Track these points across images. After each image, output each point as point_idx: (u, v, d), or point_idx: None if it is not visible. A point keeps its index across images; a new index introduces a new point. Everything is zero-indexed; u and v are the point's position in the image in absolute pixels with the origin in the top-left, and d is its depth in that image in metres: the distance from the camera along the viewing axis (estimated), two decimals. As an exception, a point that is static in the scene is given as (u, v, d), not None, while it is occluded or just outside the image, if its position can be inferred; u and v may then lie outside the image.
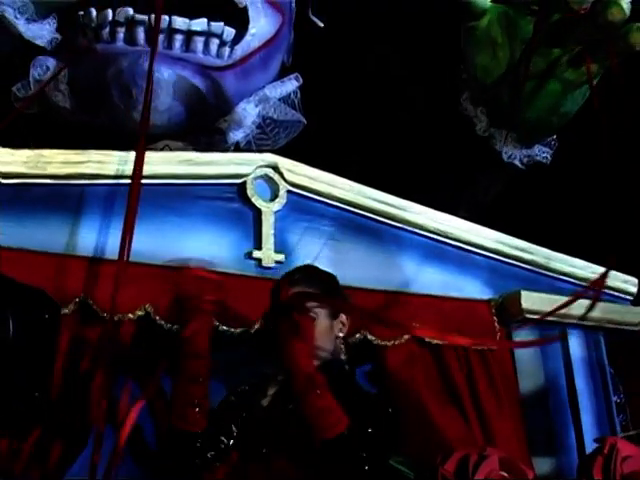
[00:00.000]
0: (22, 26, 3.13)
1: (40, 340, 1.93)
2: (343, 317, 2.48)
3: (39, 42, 3.20)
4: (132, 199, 2.50)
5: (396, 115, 4.04)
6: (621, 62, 3.21)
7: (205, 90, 3.39)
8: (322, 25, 3.83)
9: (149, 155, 2.88)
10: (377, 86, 4.22)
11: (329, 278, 2.54)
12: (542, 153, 3.53)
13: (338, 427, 2.23)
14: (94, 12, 3.30)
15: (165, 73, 3.29)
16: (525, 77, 3.22)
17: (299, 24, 3.75)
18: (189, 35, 3.34)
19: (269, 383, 2.46)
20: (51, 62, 3.32)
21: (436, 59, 4.10)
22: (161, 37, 3.26)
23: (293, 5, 3.74)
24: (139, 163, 2.53)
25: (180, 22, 3.29)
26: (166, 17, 3.24)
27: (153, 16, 3.18)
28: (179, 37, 3.32)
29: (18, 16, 3.10)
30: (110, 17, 3.29)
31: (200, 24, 3.34)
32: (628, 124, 3.60)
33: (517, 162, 3.50)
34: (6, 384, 1.81)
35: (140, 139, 2.58)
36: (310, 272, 2.54)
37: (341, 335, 2.48)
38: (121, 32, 3.31)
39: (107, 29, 3.31)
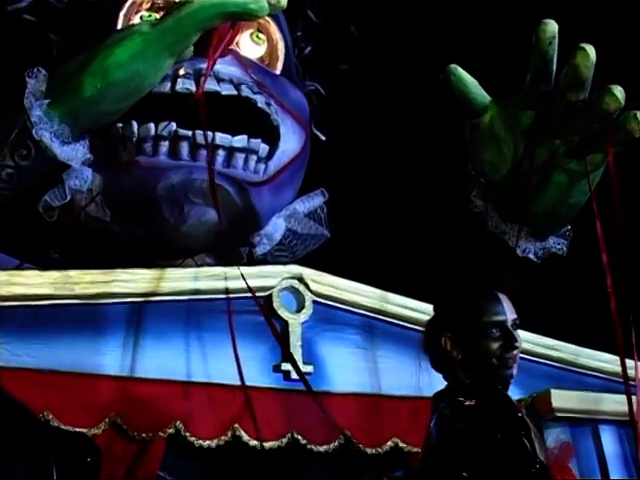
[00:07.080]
0: (57, 149, 3.03)
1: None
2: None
3: (73, 163, 3.08)
4: None
5: (405, 217, 4.11)
6: (624, 149, 3.23)
7: (245, 205, 3.34)
8: (324, 138, 3.88)
9: (175, 271, 2.92)
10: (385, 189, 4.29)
11: None
12: (557, 244, 3.49)
13: None
14: (136, 125, 3.25)
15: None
16: (530, 171, 3.22)
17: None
18: (231, 151, 3.32)
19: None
20: (87, 172, 3.20)
21: (444, 159, 4.17)
22: (203, 152, 3.24)
23: None
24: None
25: (222, 138, 3.27)
26: (209, 133, 3.21)
27: (197, 132, 3.20)
28: (221, 153, 3.30)
29: (53, 139, 3.01)
30: (153, 132, 3.24)
31: (241, 141, 3.32)
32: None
33: (532, 255, 3.42)
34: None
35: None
36: None
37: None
38: (164, 146, 3.26)
39: (150, 143, 3.26)
